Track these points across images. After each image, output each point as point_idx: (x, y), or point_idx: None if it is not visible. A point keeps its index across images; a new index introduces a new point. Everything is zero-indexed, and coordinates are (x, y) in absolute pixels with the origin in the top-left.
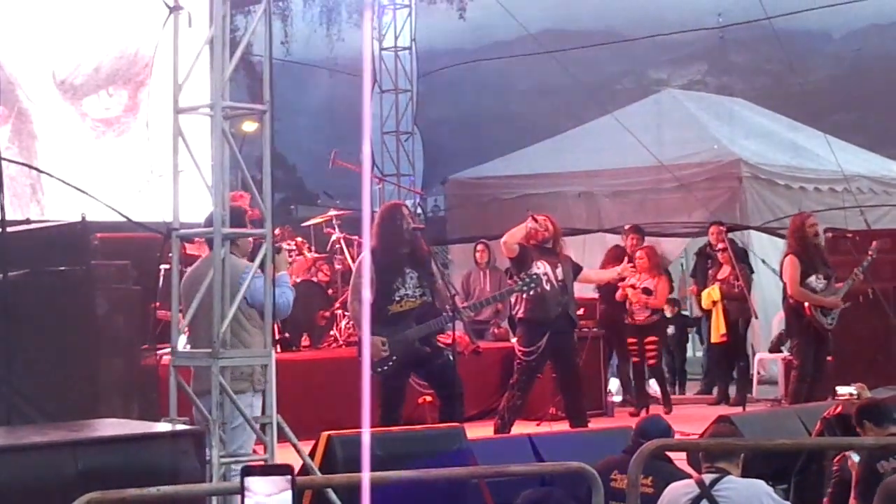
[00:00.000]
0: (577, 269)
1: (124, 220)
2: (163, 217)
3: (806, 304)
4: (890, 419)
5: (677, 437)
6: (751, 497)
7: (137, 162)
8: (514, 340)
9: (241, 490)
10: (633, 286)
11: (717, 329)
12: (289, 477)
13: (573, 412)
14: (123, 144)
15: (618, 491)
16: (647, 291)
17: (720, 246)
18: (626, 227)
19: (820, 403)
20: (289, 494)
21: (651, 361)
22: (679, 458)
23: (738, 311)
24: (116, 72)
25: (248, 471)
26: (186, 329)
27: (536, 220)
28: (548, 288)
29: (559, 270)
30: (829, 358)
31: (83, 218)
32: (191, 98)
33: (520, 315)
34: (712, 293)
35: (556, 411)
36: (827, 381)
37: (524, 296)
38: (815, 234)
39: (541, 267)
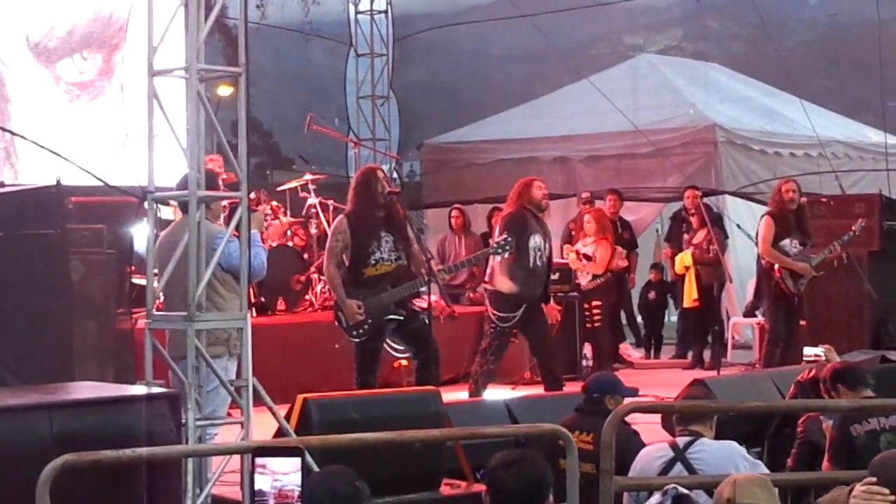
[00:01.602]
0: None
1: (99, 183)
2: (138, 181)
3: (776, 266)
4: (863, 382)
5: (651, 400)
6: (725, 458)
7: (112, 125)
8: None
9: (252, 467)
10: (575, 252)
11: (690, 294)
12: (301, 459)
13: (548, 376)
14: (98, 108)
15: (562, 449)
16: (586, 257)
17: (692, 211)
18: (584, 194)
19: (794, 367)
20: (300, 475)
21: (597, 324)
22: (654, 422)
23: (712, 275)
24: (90, 35)
25: (260, 450)
26: (161, 294)
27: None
28: (539, 264)
29: (546, 247)
30: (802, 322)
31: (58, 182)
32: (166, 61)
33: (504, 290)
34: (684, 258)
35: (532, 375)
36: (800, 346)
37: (519, 267)
38: (791, 199)
39: (538, 241)
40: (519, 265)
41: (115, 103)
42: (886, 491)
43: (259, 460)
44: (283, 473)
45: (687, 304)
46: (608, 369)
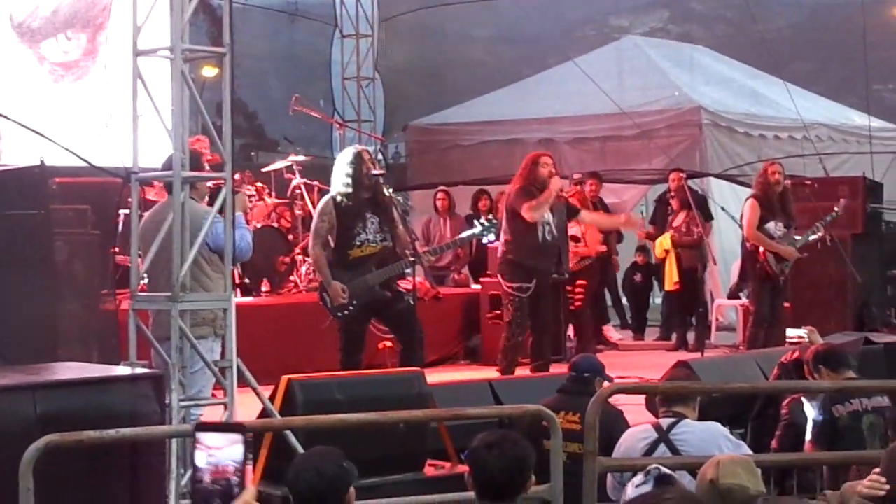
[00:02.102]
0: (572, 210)
1: (83, 164)
2: (122, 162)
3: (761, 248)
4: (845, 364)
5: (635, 381)
6: (708, 440)
7: (97, 106)
8: (473, 285)
9: (193, 443)
10: None
11: (671, 277)
12: (241, 436)
13: (536, 354)
14: (82, 88)
15: (545, 430)
16: (574, 239)
17: (673, 193)
18: (576, 175)
19: (777, 349)
20: (240, 448)
21: (577, 304)
22: (637, 404)
23: (694, 257)
24: (75, 14)
25: (200, 426)
26: (144, 274)
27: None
28: (549, 238)
29: (555, 220)
30: (786, 304)
31: (42, 162)
32: (150, 42)
33: (510, 257)
34: (663, 242)
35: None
36: (784, 327)
37: (528, 241)
38: (776, 181)
39: (546, 216)
40: (528, 240)
41: (99, 84)
42: (883, 480)
43: (197, 435)
44: (216, 448)
45: (668, 286)
46: (592, 351)
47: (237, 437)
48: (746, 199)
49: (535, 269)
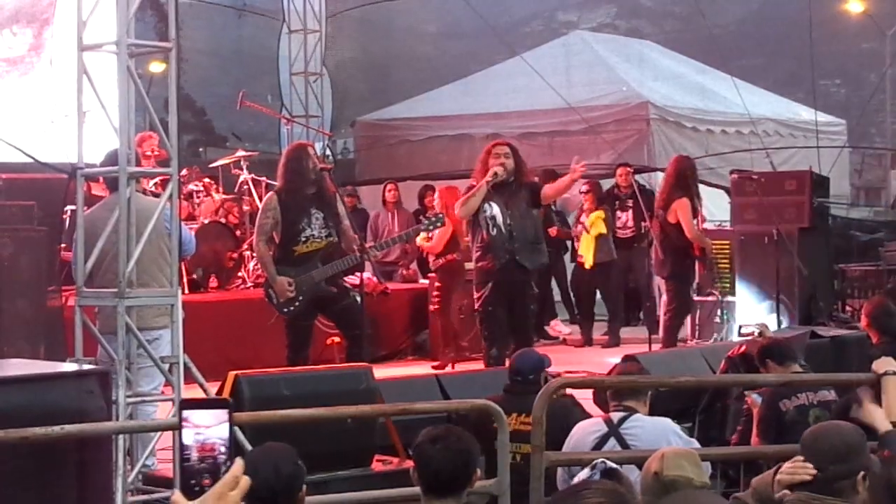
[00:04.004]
0: (535, 198)
1: (29, 160)
2: (68, 157)
3: (695, 244)
4: (791, 358)
5: (583, 375)
6: (658, 435)
7: (42, 102)
8: (422, 280)
9: (179, 422)
10: None
11: (588, 254)
12: (227, 412)
13: (495, 360)
14: (28, 84)
15: (495, 431)
16: None
17: (584, 188)
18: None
19: (725, 343)
20: (226, 426)
21: None
22: (585, 398)
23: (606, 252)
24: (20, 10)
25: (186, 404)
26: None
27: (500, 166)
28: (494, 233)
29: (509, 212)
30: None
31: None
32: (97, 37)
33: (475, 262)
34: (597, 221)
35: (458, 353)
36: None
37: (477, 242)
38: (698, 177)
39: (487, 209)
40: (475, 240)
41: (45, 79)
42: (810, 466)
43: (184, 413)
44: (205, 427)
45: (588, 263)
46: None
47: (223, 413)
48: (677, 196)
49: (486, 270)
